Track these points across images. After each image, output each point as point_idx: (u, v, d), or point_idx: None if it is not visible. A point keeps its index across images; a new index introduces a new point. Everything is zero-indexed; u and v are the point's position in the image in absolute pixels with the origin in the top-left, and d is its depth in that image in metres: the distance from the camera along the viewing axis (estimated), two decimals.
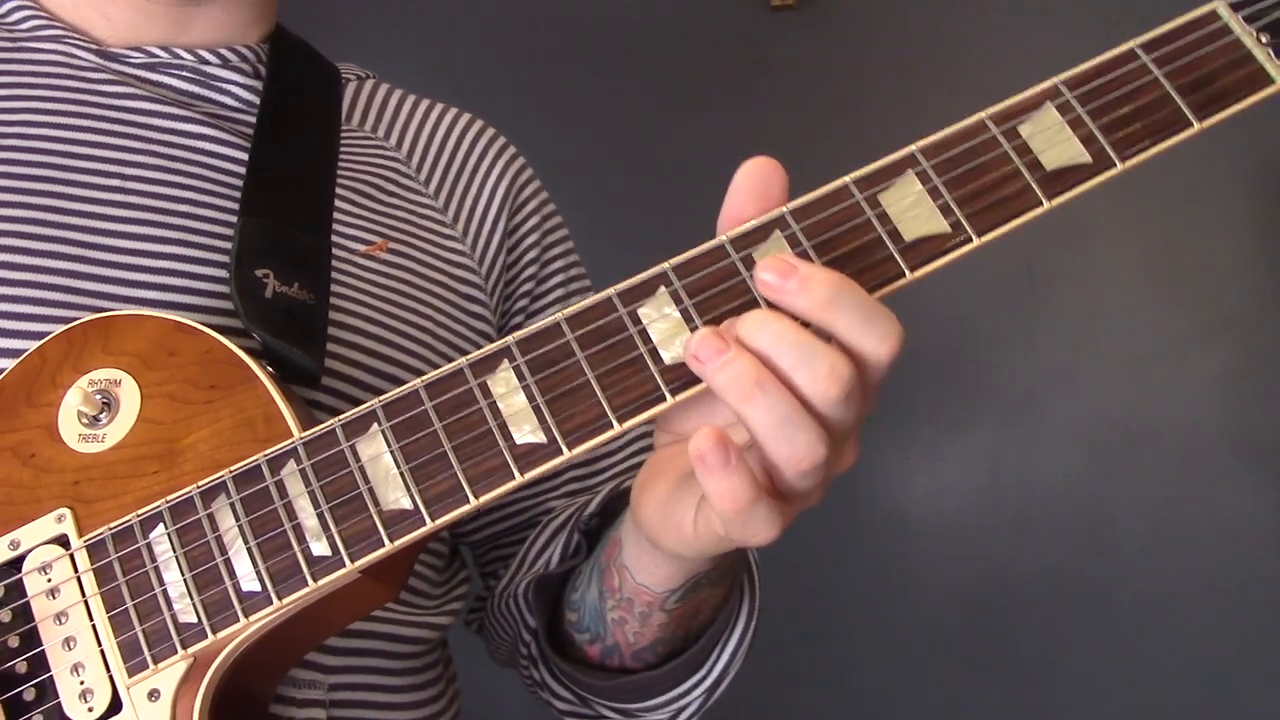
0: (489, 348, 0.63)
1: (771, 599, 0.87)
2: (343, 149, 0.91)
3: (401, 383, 0.84)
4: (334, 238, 0.85)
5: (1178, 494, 2.43)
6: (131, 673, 0.62)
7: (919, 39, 2.60)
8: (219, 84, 0.88)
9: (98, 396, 0.67)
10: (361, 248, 0.87)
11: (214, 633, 0.62)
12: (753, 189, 0.62)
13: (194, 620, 0.62)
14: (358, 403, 0.81)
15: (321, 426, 0.63)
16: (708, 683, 0.83)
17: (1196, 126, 0.64)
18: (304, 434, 0.64)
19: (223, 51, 0.88)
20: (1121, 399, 2.48)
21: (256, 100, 0.89)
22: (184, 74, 0.87)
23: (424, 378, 0.63)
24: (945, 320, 2.46)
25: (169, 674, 0.62)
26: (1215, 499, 2.41)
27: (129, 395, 0.68)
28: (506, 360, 0.62)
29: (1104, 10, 2.19)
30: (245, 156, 0.85)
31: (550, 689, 0.91)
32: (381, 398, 0.63)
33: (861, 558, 2.50)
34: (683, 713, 0.85)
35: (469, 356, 0.63)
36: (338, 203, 0.87)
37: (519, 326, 0.96)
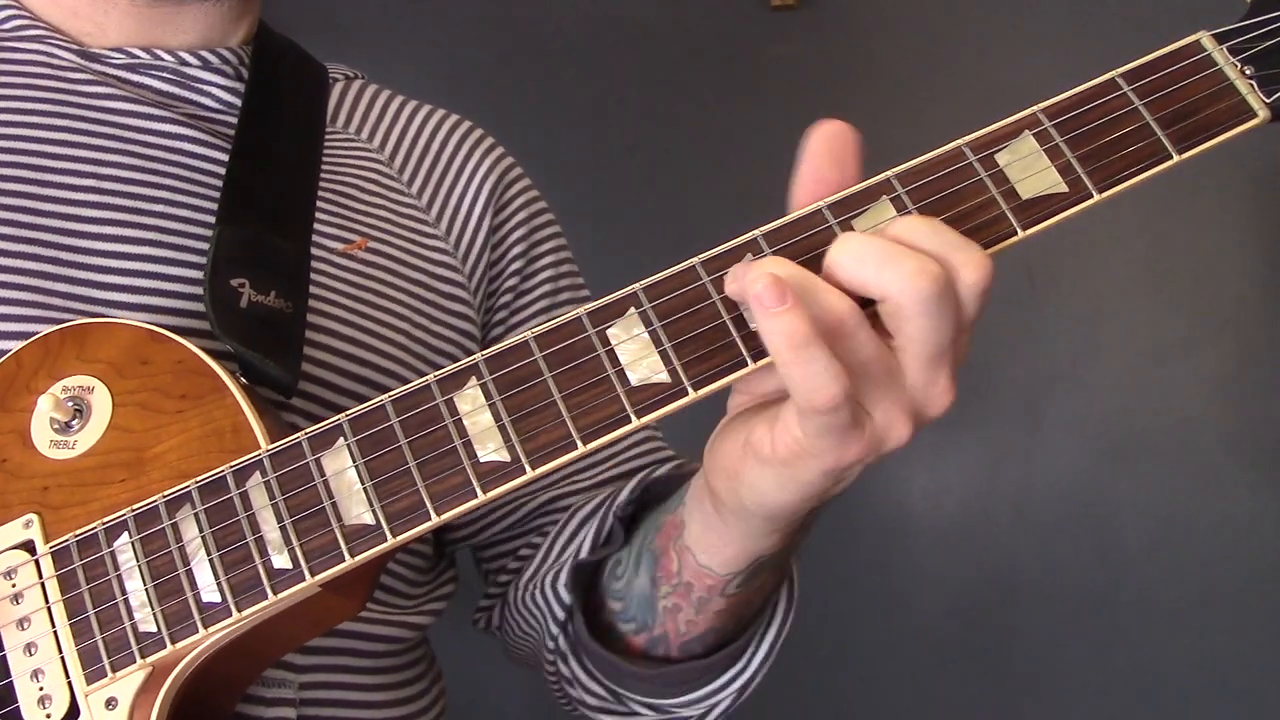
0: (457, 364, 0.63)
1: None
2: (325, 152, 0.91)
3: (377, 383, 0.84)
4: (313, 238, 0.85)
5: (1178, 494, 2.42)
6: (90, 680, 0.63)
7: (918, 39, 2.59)
8: (199, 85, 0.87)
9: (70, 403, 0.67)
10: (340, 246, 0.87)
11: (173, 643, 0.62)
12: (831, 152, 0.63)
13: (153, 630, 0.62)
14: (333, 400, 0.82)
15: (287, 440, 0.63)
16: (742, 679, 0.82)
17: (1176, 158, 0.64)
18: (269, 446, 0.64)
19: (203, 53, 0.88)
20: (1121, 399, 2.48)
21: (238, 102, 0.88)
22: (164, 75, 0.86)
23: (391, 393, 0.63)
24: None
25: (127, 683, 0.62)
26: (1215, 499, 2.41)
27: (100, 403, 0.68)
28: (474, 377, 0.62)
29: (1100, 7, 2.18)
30: (224, 157, 0.84)
31: (581, 684, 0.89)
32: (348, 412, 0.63)
33: (861, 558, 2.50)
34: (712, 711, 0.84)
35: (437, 373, 0.63)
36: (317, 204, 0.87)
37: (503, 322, 0.96)
